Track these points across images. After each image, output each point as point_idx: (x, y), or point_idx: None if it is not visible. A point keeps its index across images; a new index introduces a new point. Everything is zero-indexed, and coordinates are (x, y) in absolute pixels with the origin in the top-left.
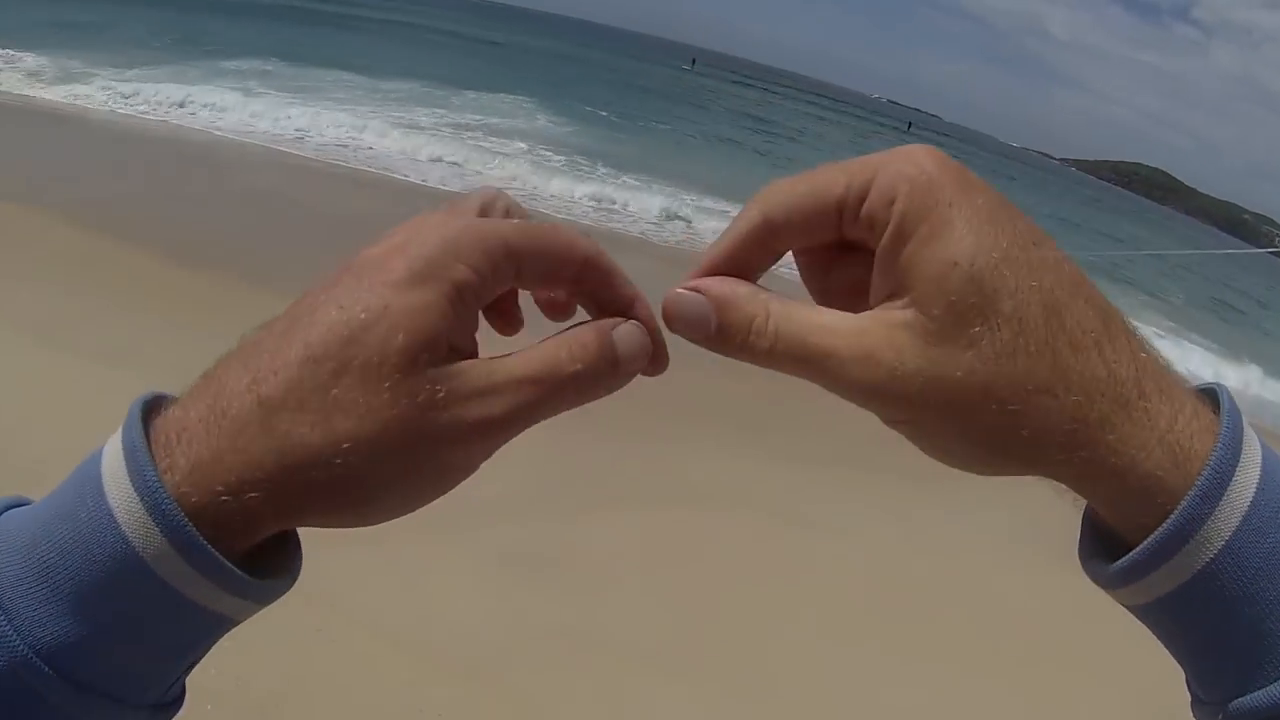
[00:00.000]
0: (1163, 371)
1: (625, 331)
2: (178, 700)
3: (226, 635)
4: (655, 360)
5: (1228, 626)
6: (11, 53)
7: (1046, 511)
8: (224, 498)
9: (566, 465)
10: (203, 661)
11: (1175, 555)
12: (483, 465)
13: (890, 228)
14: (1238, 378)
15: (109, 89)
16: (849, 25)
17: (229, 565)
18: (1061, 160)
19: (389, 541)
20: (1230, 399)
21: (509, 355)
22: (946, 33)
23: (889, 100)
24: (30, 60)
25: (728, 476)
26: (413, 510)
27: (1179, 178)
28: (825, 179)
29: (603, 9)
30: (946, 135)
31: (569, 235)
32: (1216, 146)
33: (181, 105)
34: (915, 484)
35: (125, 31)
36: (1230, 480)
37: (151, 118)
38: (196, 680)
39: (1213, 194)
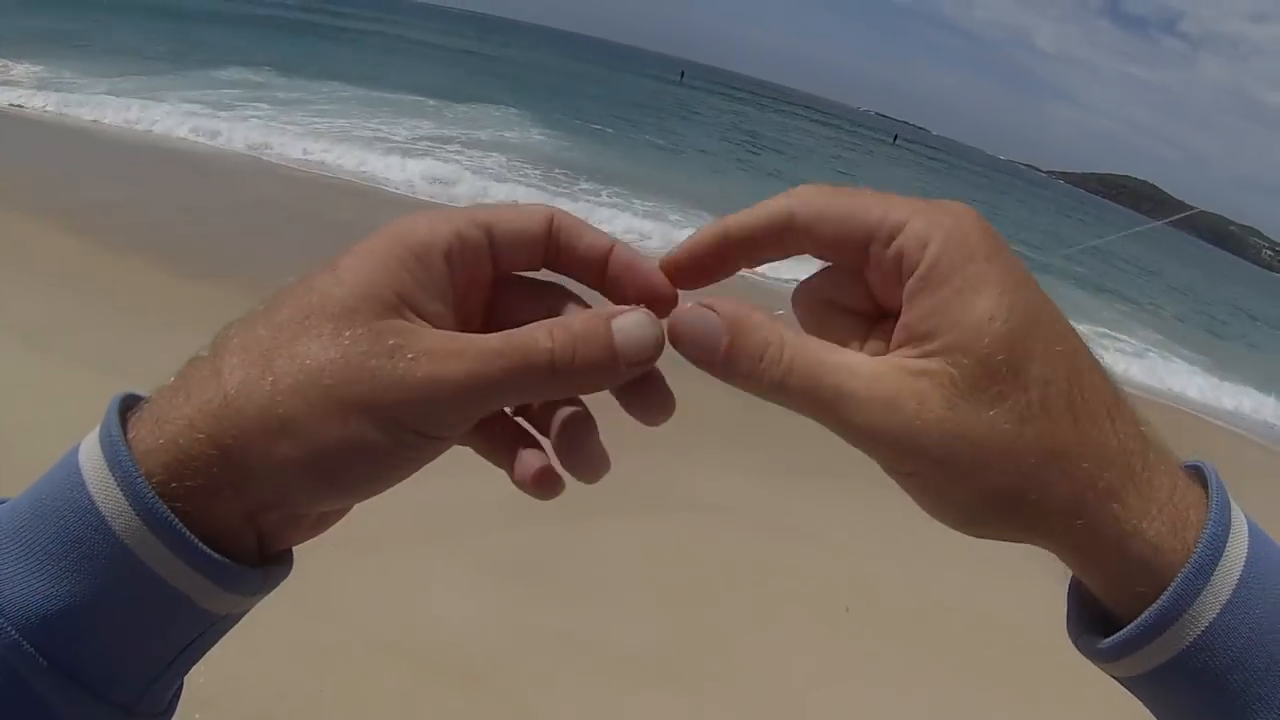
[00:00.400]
0: (1160, 443)
1: (632, 320)
2: (158, 717)
3: (218, 643)
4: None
5: (1218, 695)
6: (4, 62)
7: None
8: (179, 441)
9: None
10: (193, 668)
11: (1175, 624)
12: (482, 469)
13: (922, 267)
14: (1230, 396)
15: (99, 98)
16: (836, 38)
17: (176, 522)
18: (1049, 173)
19: (385, 548)
20: (1216, 474)
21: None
22: (934, 46)
23: (877, 113)
24: (20, 70)
25: (725, 485)
26: (375, 475)
27: (1166, 190)
28: (862, 202)
29: (594, 23)
30: (934, 148)
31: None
32: (1204, 159)
33: (171, 116)
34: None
35: (119, 41)
36: (1224, 551)
37: (140, 127)
38: (186, 687)
39: (1200, 206)
